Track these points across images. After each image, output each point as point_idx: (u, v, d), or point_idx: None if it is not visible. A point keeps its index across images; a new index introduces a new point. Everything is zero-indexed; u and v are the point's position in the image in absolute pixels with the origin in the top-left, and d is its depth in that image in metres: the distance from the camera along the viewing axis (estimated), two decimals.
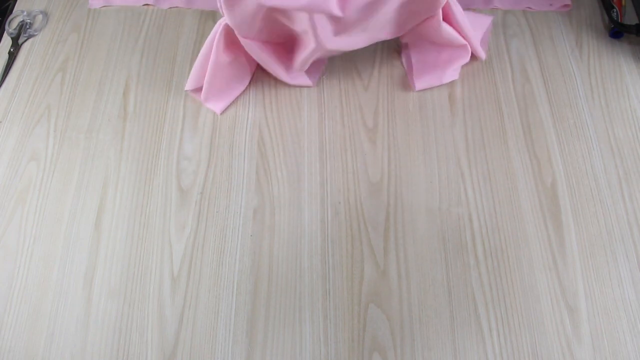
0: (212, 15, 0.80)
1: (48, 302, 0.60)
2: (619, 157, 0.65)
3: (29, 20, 0.81)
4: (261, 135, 0.69)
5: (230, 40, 0.65)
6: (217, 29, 0.64)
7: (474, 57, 0.71)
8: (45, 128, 0.71)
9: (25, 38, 0.79)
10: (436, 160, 0.66)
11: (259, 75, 0.74)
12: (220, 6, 0.59)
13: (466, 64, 0.72)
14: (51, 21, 0.81)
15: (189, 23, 0.79)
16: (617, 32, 0.73)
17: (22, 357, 0.56)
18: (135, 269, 0.61)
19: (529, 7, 0.77)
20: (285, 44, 0.69)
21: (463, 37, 0.67)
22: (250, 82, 0.74)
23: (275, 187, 0.65)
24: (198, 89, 0.71)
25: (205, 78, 0.67)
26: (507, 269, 0.58)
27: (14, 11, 0.83)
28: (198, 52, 0.76)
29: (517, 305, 0.57)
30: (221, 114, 0.71)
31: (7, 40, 0.80)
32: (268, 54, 0.68)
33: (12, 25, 0.81)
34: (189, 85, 0.70)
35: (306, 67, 0.70)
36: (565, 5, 0.77)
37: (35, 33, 0.80)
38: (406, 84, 0.72)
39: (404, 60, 0.74)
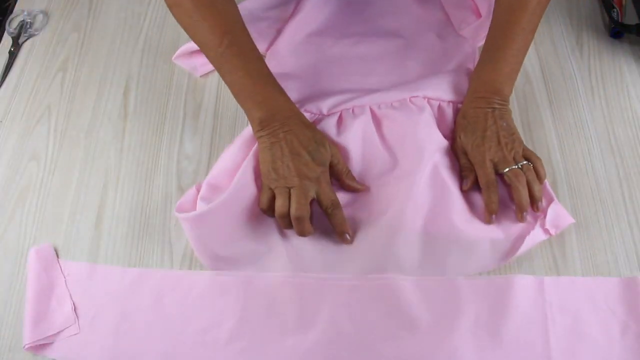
0: None
1: None
2: (619, 157, 0.65)
3: (29, 20, 0.81)
4: None
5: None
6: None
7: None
8: (46, 127, 0.71)
9: (26, 38, 0.79)
10: None
11: None
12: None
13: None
14: (52, 21, 0.81)
15: None
16: (618, 32, 0.73)
17: (22, 357, 0.56)
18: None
19: None
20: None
21: None
22: None
23: None
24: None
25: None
26: (508, 269, 0.58)
27: (14, 11, 0.83)
28: None
29: None
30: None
31: (7, 39, 0.80)
32: None
33: (12, 24, 0.81)
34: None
35: None
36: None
37: (36, 33, 0.80)
38: None
39: None
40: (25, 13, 0.81)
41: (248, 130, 0.65)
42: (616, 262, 0.58)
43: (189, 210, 0.60)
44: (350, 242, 0.59)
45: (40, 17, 0.82)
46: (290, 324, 0.55)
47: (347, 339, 0.55)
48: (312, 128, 0.61)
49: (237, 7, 0.63)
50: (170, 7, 0.62)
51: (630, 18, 0.74)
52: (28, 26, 0.80)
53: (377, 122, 0.65)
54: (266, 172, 0.59)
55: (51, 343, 0.56)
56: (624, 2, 0.75)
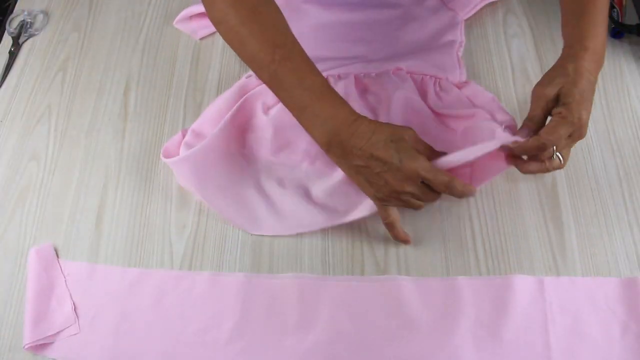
0: None
1: None
2: (619, 157, 0.65)
3: (29, 20, 0.81)
4: None
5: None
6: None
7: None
8: (46, 127, 0.71)
9: (26, 37, 0.79)
10: None
11: None
12: None
13: (467, 65, 0.72)
14: (52, 20, 0.81)
15: None
16: (618, 32, 0.73)
17: (22, 357, 0.56)
18: None
19: None
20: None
21: None
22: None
23: None
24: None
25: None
26: (508, 268, 0.58)
27: (14, 10, 0.83)
28: (199, 51, 0.76)
29: None
30: None
31: (7, 39, 0.80)
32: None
33: (12, 24, 0.81)
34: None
35: None
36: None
37: (36, 32, 0.80)
38: None
39: None
40: (26, 13, 0.81)
41: (238, 83, 0.68)
42: (616, 262, 0.58)
43: (173, 153, 0.65)
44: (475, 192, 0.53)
45: (40, 17, 0.82)
46: (290, 324, 0.56)
47: (347, 339, 0.55)
48: (378, 125, 0.54)
49: (282, 15, 0.58)
50: (216, 25, 0.59)
51: (630, 18, 0.74)
52: (28, 26, 0.80)
53: (359, 87, 0.68)
54: (372, 197, 0.56)
55: (51, 343, 0.56)
56: (624, 2, 0.75)
